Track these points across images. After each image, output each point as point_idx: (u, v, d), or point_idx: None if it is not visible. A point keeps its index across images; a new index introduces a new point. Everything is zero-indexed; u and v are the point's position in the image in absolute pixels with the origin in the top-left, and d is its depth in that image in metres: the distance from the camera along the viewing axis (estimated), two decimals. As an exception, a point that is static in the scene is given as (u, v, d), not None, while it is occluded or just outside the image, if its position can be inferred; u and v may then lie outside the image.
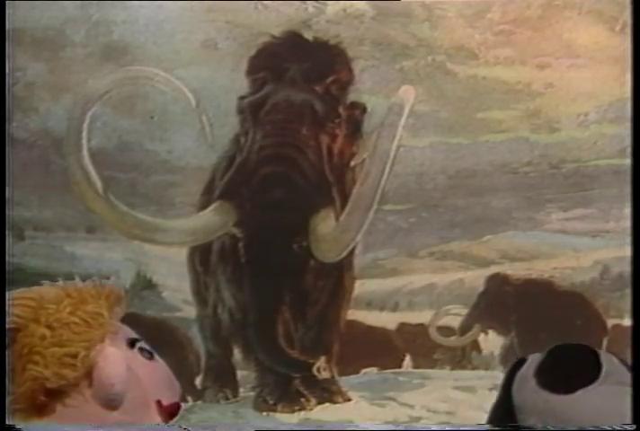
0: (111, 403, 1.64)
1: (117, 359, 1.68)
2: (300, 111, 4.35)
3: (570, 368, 1.89)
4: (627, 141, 4.21)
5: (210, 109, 4.38)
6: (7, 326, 1.65)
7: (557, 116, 4.39)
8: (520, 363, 1.91)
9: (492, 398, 1.91)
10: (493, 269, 4.48)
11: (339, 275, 4.46)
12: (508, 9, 4.35)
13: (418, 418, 4.34)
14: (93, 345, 1.65)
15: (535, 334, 4.38)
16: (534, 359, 1.90)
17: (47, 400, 1.62)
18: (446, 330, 4.51)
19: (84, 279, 1.72)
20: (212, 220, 4.39)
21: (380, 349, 4.54)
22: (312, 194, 4.37)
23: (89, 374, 1.63)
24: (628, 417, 1.75)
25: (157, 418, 1.69)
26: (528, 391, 1.84)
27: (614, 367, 1.86)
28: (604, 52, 4.34)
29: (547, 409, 1.79)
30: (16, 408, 1.62)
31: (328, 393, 4.45)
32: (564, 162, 4.41)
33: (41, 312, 1.65)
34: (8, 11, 4.23)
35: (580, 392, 1.83)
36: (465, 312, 4.49)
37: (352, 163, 4.41)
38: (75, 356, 1.63)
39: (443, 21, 4.35)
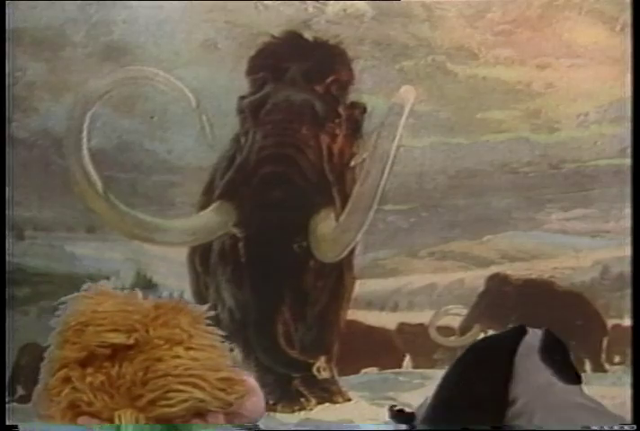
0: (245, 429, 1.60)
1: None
2: (300, 111, 4.35)
3: (568, 358, 1.89)
4: (627, 141, 4.21)
5: (210, 109, 4.38)
6: (114, 341, 1.50)
7: (557, 116, 4.39)
8: (522, 331, 1.89)
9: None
10: (493, 269, 4.47)
11: (339, 275, 4.45)
12: (508, 9, 4.34)
13: (418, 418, 4.33)
14: (235, 370, 1.59)
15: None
16: (535, 333, 1.89)
17: (191, 419, 1.55)
18: (446, 330, 4.51)
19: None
20: (212, 220, 4.39)
21: (380, 349, 4.53)
22: (312, 194, 4.37)
23: (240, 400, 1.57)
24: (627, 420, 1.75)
25: None
26: (532, 364, 1.83)
27: None
28: (604, 52, 4.34)
29: (549, 391, 1.78)
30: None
31: (328, 393, 4.45)
32: (564, 162, 4.41)
33: (176, 330, 1.56)
34: (8, 11, 4.23)
35: (580, 386, 1.84)
36: (465, 312, 4.49)
37: (352, 163, 4.40)
38: (229, 379, 1.56)
39: (443, 21, 4.35)
